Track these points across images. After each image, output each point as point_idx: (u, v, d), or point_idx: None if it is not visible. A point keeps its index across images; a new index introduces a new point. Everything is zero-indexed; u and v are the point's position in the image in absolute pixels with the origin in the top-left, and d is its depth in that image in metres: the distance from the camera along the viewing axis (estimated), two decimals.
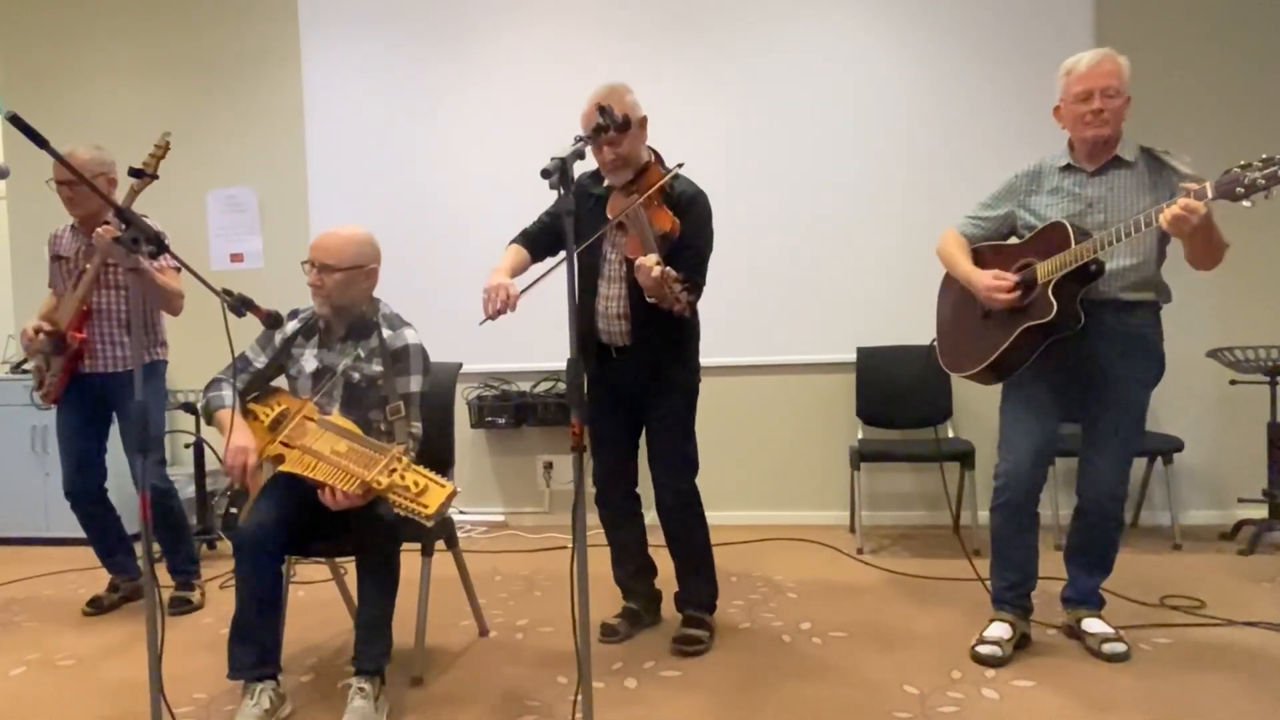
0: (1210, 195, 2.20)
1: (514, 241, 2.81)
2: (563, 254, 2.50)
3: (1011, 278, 2.49)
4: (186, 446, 4.27)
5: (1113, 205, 2.49)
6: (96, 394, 3.22)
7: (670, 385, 2.73)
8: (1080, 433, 2.64)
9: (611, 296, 2.70)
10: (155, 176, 2.96)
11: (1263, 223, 2.30)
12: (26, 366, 3.43)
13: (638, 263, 2.44)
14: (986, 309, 2.59)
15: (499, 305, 2.52)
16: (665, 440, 2.75)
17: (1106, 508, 2.59)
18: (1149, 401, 2.60)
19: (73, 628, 3.16)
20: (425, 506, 2.10)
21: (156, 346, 3.31)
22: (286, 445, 2.38)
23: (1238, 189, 2.16)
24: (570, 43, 4.52)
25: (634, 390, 2.74)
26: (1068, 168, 2.57)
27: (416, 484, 2.14)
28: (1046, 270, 2.44)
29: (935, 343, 2.80)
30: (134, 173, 2.89)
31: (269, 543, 2.32)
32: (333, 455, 2.28)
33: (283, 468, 2.32)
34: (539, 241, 2.80)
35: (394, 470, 2.17)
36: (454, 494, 2.15)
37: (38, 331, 3.10)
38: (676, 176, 2.67)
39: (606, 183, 2.72)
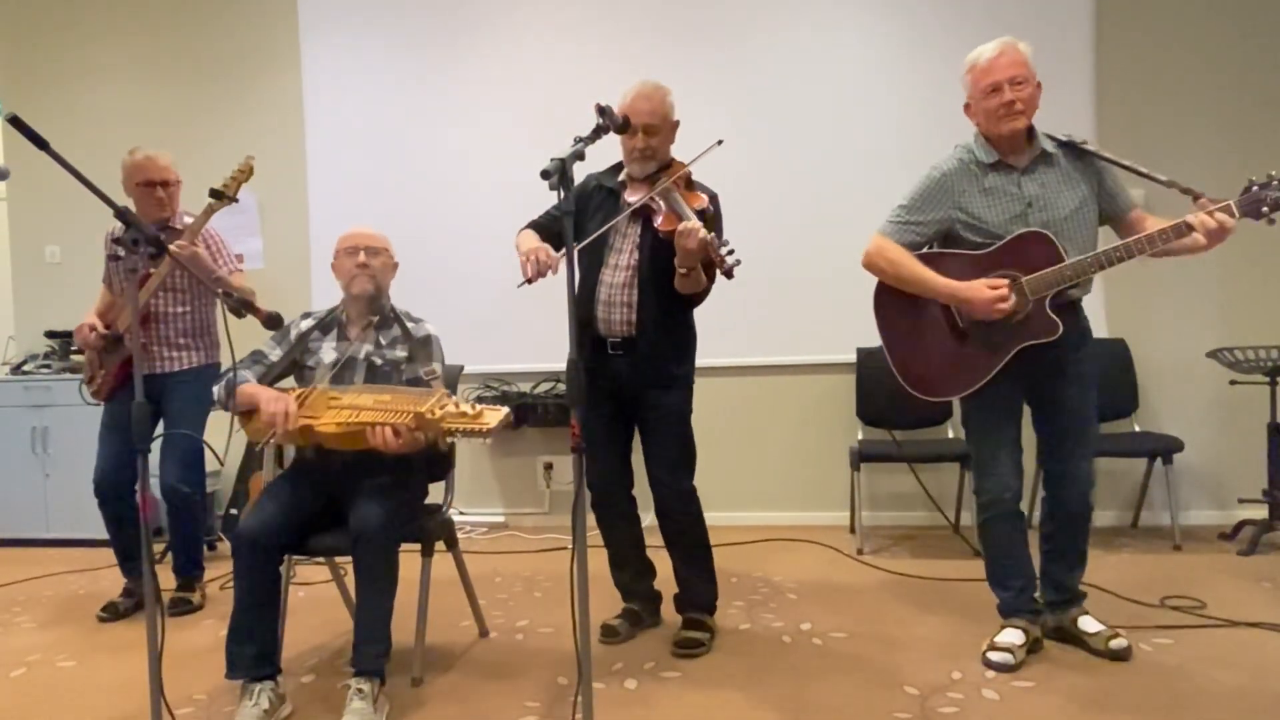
0: (1237, 214, 2.21)
1: (526, 229, 2.75)
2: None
3: (1003, 283, 2.40)
4: None
5: (1049, 203, 2.44)
6: (148, 394, 3.23)
7: (670, 382, 2.68)
8: (1038, 436, 2.61)
9: (617, 284, 2.65)
10: (235, 199, 3.04)
11: (1263, 223, 2.31)
12: (78, 360, 3.45)
13: (682, 227, 2.42)
14: (960, 326, 2.51)
15: (539, 268, 2.45)
16: (664, 438, 2.70)
17: (1079, 507, 2.58)
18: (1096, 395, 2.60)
19: (72, 628, 3.15)
20: (485, 424, 2.14)
21: (214, 349, 3.40)
22: (312, 418, 2.36)
23: (1263, 208, 2.19)
24: (570, 42, 4.52)
25: (631, 387, 2.69)
26: (998, 165, 2.49)
27: (473, 408, 2.19)
28: (1037, 286, 2.38)
29: (898, 370, 2.63)
30: (214, 194, 2.97)
31: (267, 542, 2.31)
32: (376, 404, 2.32)
33: (324, 421, 2.31)
34: (547, 232, 2.71)
35: (444, 406, 2.21)
36: (510, 415, 2.20)
37: (93, 330, 3.16)
38: (689, 178, 2.68)
39: (621, 176, 2.73)
